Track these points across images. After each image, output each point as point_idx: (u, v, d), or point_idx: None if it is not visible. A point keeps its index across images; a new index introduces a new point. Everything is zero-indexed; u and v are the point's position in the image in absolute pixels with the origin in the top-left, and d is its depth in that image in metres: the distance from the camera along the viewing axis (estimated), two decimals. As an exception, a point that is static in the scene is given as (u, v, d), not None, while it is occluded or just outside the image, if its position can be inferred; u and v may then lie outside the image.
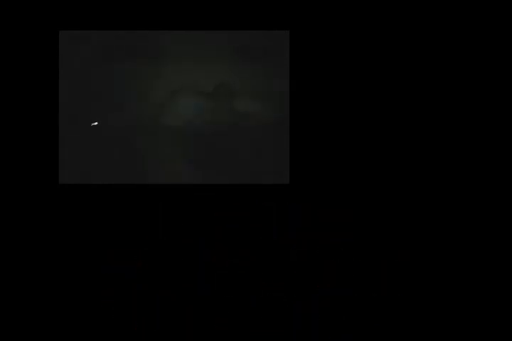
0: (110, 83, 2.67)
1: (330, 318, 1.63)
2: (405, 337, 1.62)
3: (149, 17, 1.74)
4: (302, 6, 1.70)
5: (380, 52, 1.67)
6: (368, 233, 1.65)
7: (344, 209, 1.66)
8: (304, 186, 1.66)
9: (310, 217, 1.66)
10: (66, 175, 1.97)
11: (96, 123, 2.43)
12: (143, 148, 2.46)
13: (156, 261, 1.65)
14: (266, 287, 1.65)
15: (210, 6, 1.73)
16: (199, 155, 2.41)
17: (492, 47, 1.65)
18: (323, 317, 1.63)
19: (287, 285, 1.65)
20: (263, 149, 2.57)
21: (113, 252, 1.65)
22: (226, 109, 2.80)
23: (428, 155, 1.66)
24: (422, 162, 1.66)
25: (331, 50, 1.68)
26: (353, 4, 1.67)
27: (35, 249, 1.62)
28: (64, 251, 1.64)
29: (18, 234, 1.62)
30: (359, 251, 1.65)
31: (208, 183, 2.10)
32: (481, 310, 1.61)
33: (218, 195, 1.69)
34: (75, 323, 1.62)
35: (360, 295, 1.64)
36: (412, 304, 1.63)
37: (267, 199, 1.67)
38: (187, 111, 2.94)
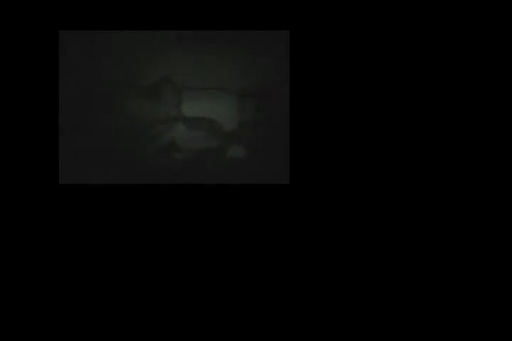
0: (111, 83, 2.66)
1: (330, 318, 1.63)
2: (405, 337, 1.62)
3: (149, 17, 1.74)
4: (302, 6, 1.69)
5: (380, 53, 1.67)
6: (369, 232, 1.65)
7: (344, 209, 1.66)
8: (303, 186, 1.66)
9: (310, 217, 1.66)
10: (66, 175, 1.97)
11: None
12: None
13: (155, 261, 1.65)
14: (266, 287, 1.65)
15: (209, 5, 1.73)
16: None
17: (492, 48, 1.65)
18: (323, 316, 1.63)
19: (288, 284, 1.65)
20: (263, 149, 2.57)
21: (113, 252, 1.65)
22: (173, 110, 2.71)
23: (424, 152, 1.66)
24: (419, 159, 1.66)
25: (331, 50, 1.68)
26: (353, 4, 1.67)
27: (35, 249, 1.62)
28: (64, 251, 1.64)
29: (18, 234, 1.62)
30: (359, 251, 1.65)
31: (207, 183, 2.10)
32: (481, 310, 1.62)
33: (218, 194, 1.69)
34: (75, 323, 1.62)
35: (361, 295, 1.64)
36: (412, 304, 1.63)
37: (267, 199, 1.67)
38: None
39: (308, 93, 1.68)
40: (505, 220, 1.62)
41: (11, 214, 1.62)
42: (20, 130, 1.64)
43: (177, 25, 1.75)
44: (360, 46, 1.67)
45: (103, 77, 2.61)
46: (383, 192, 1.65)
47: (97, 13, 1.72)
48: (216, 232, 1.66)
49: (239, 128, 2.84)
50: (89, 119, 2.44)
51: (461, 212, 1.64)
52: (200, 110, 2.85)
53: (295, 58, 1.68)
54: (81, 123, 2.41)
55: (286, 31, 2.39)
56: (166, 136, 2.51)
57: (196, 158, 2.43)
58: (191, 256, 1.65)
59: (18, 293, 1.61)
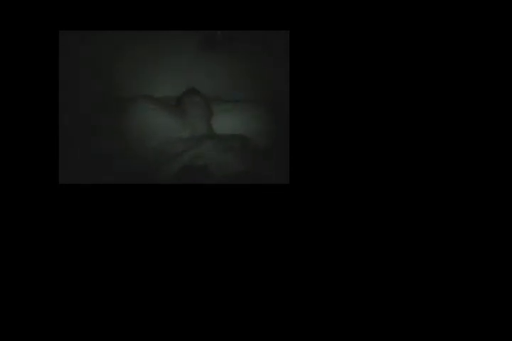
0: (111, 83, 2.67)
1: (330, 318, 1.63)
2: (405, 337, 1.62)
3: (149, 17, 1.74)
4: (302, 6, 1.70)
5: (380, 53, 1.67)
6: (369, 233, 1.65)
7: (344, 209, 1.66)
8: (304, 186, 1.66)
9: (310, 217, 1.66)
10: (66, 175, 1.97)
11: None
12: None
13: (155, 261, 1.66)
14: (266, 287, 1.65)
15: (209, 5, 1.73)
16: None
17: (492, 48, 1.65)
18: (323, 316, 1.64)
19: (288, 284, 1.65)
20: (263, 149, 2.56)
21: (113, 252, 1.65)
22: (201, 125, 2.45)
23: (425, 152, 1.66)
24: (419, 159, 1.66)
25: (331, 50, 1.68)
26: (354, 4, 1.67)
27: (35, 249, 1.62)
28: (64, 251, 1.64)
29: (17, 234, 1.62)
30: (360, 251, 1.65)
31: (207, 183, 2.10)
32: (481, 311, 1.62)
33: (218, 194, 1.69)
34: (75, 323, 1.62)
35: (361, 295, 1.64)
36: (412, 304, 1.63)
37: (267, 199, 1.68)
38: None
39: (309, 93, 1.68)
40: (505, 220, 1.62)
41: (10, 214, 1.62)
42: (20, 130, 1.64)
43: (177, 25, 1.74)
44: (360, 46, 1.67)
45: (103, 77, 2.61)
46: (384, 192, 1.65)
47: (97, 13, 1.72)
48: (215, 232, 1.66)
49: (274, 145, 2.64)
50: (89, 119, 2.44)
51: (461, 212, 1.64)
52: (232, 126, 2.65)
53: (295, 58, 1.68)
54: (81, 123, 2.41)
55: (286, 31, 2.40)
56: (190, 157, 2.28)
57: (227, 182, 2.12)
58: (191, 256, 1.65)
59: (18, 293, 1.61)
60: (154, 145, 2.38)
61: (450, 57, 1.67)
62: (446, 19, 1.67)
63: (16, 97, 1.65)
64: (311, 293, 1.64)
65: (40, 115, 1.65)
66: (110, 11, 1.72)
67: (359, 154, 1.67)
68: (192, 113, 2.50)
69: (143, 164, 2.32)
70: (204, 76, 2.81)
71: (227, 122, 2.57)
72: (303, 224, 1.65)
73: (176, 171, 2.26)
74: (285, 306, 1.64)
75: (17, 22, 1.66)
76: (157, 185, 1.71)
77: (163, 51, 2.72)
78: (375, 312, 1.63)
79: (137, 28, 1.76)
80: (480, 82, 1.66)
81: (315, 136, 1.68)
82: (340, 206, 1.65)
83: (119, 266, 1.64)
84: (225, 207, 1.67)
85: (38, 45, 1.66)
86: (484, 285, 1.62)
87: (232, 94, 2.72)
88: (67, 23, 1.71)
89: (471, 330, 1.61)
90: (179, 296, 1.64)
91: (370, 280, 1.64)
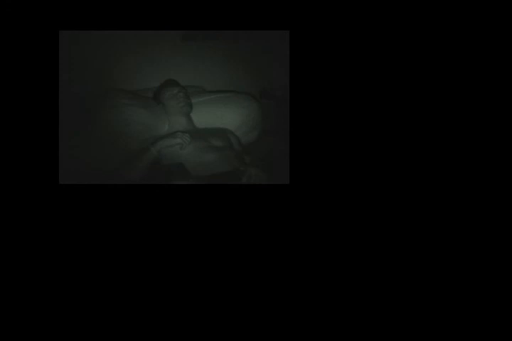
0: (111, 83, 2.67)
1: (330, 318, 1.63)
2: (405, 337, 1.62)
3: (149, 17, 1.74)
4: (302, 6, 1.69)
5: (381, 53, 1.67)
6: (369, 233, 1.65)
7: (344, 209, 1.66)
8: (304, 186, 1.66)
9: (310, 217, 1.66)
10: (66, 175, 1.97)
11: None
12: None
13: (156, 261, 1.65)
14: (267, 287, 1.65)
15: (209, 6, 1.73)
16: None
17: (492, 48, 1.65)
18: (322, 316, 1.63)
19: (288, 284, 1.65)
20: (262, 148, 2.56)
21: (113, 253, 1.65)
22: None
23: (425, 152, 1.66)
24: (419, 159, 1.66)
25: (331, 50, 1.68)
26: (354, 4, 1.67)
27: (35, 249, 1.62)
28: (64, 252, 1.64)
29: (17, 234, 1.62)
30: (360, 251, 1.65)
31: (207, 183, 2.10)
32: (481, 311, 1.61)
33: (217, 194, 1.69)
34: (74, 324, 1.62)
35: (361, 295, 1.64)
36: (412, 304, 1.63)
37: (267, 200, 1.67)
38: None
39: (309, 93, 1.68)
40: (505, 220, 1.62)
41: (10, 214, 1.62)
42: (20, 130, 1.64)
43: (175, 25, 1.74)
44: (360, 46, 1.67)
45: (103, 77, 2.61)
46: (384, 192, 1.65)
47: (97, 13, 1.72)
48: (215, 232, 1.66)
49: (259, 139, 2.56)
50: (89, 119, 2.43)
51: (461, 213, 1.64)
52: (214, 119, 2.59)
53: (295, 58, 1.68)
54: (81, 123, 2.41)
55: (286, 31, 2.40)
56: (168, 155, 2.21)
57: (206, 182, 2.00)
58: (191, 256, 1.65)
59: (18, 293, 1.61)
60: (129, 144, 2.34)
61: (450, 57, 1.67)
62: (445, 19, 1.67)
63: (16, 97, 1.65)
64: (311, 292, 1.64)
65: (40, 115, 1.65)
66: (110, 11, 1.72)
67: (359, 154, 1.67)
68: (170, 106, 2.40)
69: (115, 164, 2.26)
70: (204, 76, 2.82)
71: (211, 116, 2.50)
72: (303, 224, 1.65)
73: (144, 168, 2.16)
74: (285, 306, 1.64)
75: (17, 22, 1.66)
76: (156, 185, 1.71)
77: (163, 51, 2.73)
78: (374, 311, 1.63)
79: (137, 28, 1.76)
80: (480, 83, 1.66)
81: (315, 136, 1.68)
82: (340, 206, 1.65)
83: (119, 266, 1.64)
84: (225, 207, 1.67)
85: (38, 45, 1.66)
86: (484, 285, 1.62)
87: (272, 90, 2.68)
88: (67, 23, 1.71)
89: (471, 330, 1.61)
90: (180, 294, 1.64)
91: (369, 279, 1.64)
